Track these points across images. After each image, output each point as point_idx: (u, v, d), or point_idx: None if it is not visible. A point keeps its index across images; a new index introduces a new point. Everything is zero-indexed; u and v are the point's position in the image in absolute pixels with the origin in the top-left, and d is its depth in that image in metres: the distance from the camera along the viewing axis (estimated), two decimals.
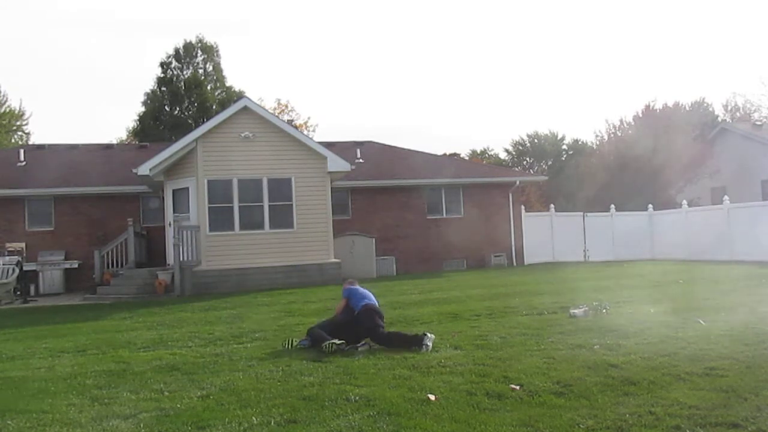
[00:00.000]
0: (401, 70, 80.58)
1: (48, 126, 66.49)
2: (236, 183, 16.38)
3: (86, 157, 22.52)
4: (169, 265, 16.73)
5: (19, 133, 39.73)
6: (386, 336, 6.99)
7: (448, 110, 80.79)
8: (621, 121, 34.37)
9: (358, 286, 7.69)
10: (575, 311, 8.55)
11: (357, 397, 4.89)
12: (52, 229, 19.67)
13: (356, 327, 7.12)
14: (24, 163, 21.54)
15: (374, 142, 26.07)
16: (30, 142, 35.63)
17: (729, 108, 45.67)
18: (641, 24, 78.75)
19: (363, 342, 7.04)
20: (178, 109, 37.06)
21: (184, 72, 37.70)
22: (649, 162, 28.53)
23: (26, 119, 39.90)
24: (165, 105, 37.00)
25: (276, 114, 32.27)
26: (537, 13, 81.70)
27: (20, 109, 39.40)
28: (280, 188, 16.71)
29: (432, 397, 4.83)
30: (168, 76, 37.41)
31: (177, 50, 37.73)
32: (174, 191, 17.05)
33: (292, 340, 7.33)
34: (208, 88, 37.48)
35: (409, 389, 5.10)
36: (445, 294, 12.67)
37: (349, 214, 21.28)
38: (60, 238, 19.54)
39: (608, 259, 22.20)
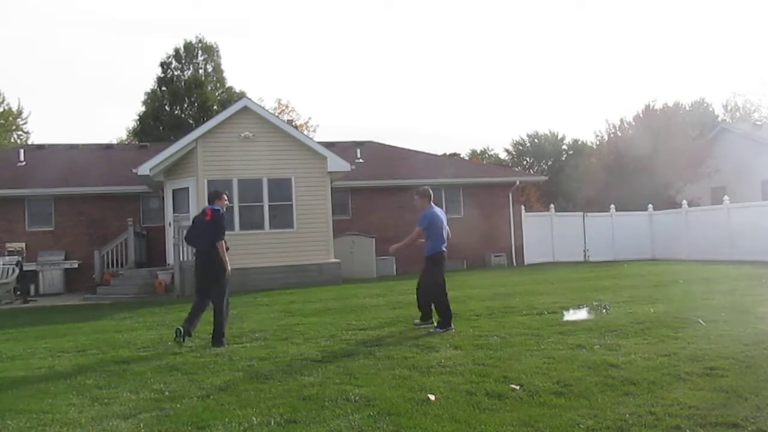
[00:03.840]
0: (401, 70, 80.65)
1: (48, 126, 66.62)
2: (236, 183, 16.38)
3: (86, 157, 22.52)
4: (169, 265, 16.73)
5: (18, 132, 39.73)
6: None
7: (448, 110, 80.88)
8: (621, 121, 34.32)
9: None
10: (575, 311, 8.54)
11: (357, 397, 4.89)
12: (52, 229, 19.66)
13: None
14: (24, 163, 21.56)
15: (374, 142, 26.07)
16: (29, 142, 35.65)
17: (729, 108, 45.76)
18: (641, 24, 78.80)
19: None
20: (178, 109, 37.05)
21: (185, 72, 37.69)
22: (649, 162, 28.51)
23: (25, 118, 39.91)
24: (165, 105, 36.99)
25: (276, 114, 32.26)
26: (537, 13, 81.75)
27: (19, 108, 39.42)
28: (280, 188, 16.71)
29: (432, 397, 4.83)
30: (168, 76, 37.40)
31: (177, 50, 37.73)
32: (174, 191, 17.05)
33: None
34: (209, 88, 37.47)
35: (409, 389, 5.10)
36: None
37: (349, 214, 21.28)
38: (60, 238, 19.54)
39: (608, 259, 22.18)
